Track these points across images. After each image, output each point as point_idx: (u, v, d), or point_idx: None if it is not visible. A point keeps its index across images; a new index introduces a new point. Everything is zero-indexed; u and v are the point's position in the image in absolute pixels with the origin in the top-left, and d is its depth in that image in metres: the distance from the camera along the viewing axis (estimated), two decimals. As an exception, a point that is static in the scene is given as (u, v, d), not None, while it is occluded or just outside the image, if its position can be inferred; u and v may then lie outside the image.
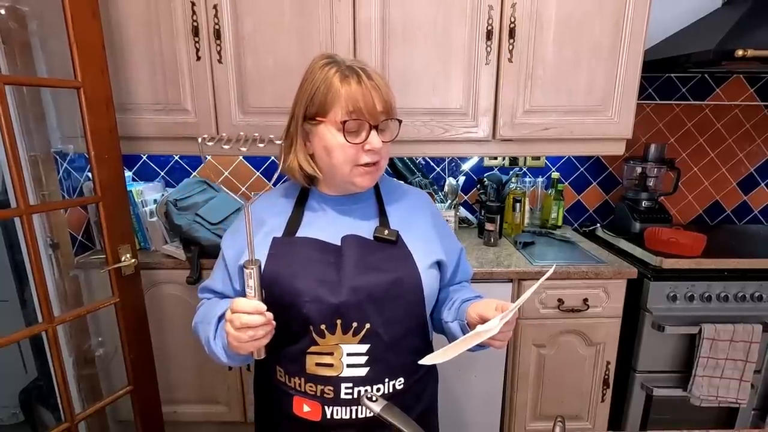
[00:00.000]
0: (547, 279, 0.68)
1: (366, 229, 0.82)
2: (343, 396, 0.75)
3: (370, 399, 0.60)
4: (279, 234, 0.80)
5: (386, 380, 0.78)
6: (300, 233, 0.80)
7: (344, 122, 0.73)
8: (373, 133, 0.75)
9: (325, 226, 0.82)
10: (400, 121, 0.80)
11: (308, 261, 0.77)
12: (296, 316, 0.74)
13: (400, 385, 0.79)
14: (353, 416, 0.76)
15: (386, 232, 0.81)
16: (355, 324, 0.75)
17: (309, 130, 0.78)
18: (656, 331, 1.52)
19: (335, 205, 0.84)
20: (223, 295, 0.86)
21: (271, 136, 0.76)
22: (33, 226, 1.11)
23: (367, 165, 0.77)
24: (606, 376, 1.61)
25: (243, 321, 0.65)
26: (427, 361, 0.66)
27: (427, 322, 0.86)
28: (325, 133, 0.75)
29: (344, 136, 0.74)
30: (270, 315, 0.67)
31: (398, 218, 0.86)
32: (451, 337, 0.86)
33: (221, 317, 0.77)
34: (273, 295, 0.74)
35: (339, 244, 0.79)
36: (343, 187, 0.82)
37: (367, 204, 0.86)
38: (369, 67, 0.77)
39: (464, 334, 0.81)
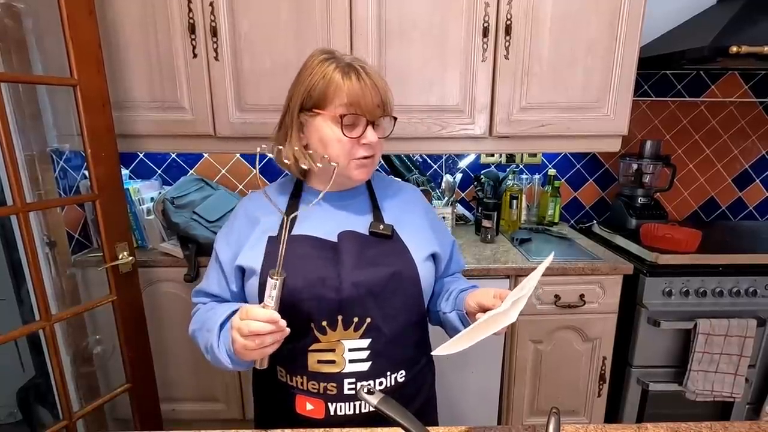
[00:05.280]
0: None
1: (360, 224, 0.82)
2: (346, 392, 0.76)
3: (367, 392, 0.61)
4: (274, 233, 0.80)
5: (388, 373, 0.78)
6: (295, 231, 0.80)
7: (342, 116, 0.75)
8: (369, 128, 0.77)
9: (319, 222, 0.82)
10: (395, 118, 0.81)
11: (306, 258, 0.77)
12: (297, 315, 0.74)
13: (401, 377, 0.80)
14: (356, 411, 0.77)
15: (381, 226, 0.81)
16: (356, 319, 0.75)
17: (305, 121, 0.79)
18: (652, 327, 1.54)
19: (329, 201, 0.84)
20: (219, 299, 0.85)
21: (325, 156, 0.78)
22: (30, 224, 1.11)
23: (362, 158, 0.78)
24: (602, 372, 1.62)
25: (252, 329, 0.63)
26: (440, 351, 0.64)
27: (425, 314, 0.86)
28: (322, 125, 0.77)
29: (341, 129, 0.75)
30: (283, 323, 0.65)
31: (392, 213, 0.86)
32: (449, 328, 0.86)
33: (223, 324, 0.76)
34: None
35: (335, 240, 0.80)
36: (338, 181, 0.82)
37: (360, 199, 0.87)
38: (367, 65, 0.79)
39: (462, 323, 0.81)
